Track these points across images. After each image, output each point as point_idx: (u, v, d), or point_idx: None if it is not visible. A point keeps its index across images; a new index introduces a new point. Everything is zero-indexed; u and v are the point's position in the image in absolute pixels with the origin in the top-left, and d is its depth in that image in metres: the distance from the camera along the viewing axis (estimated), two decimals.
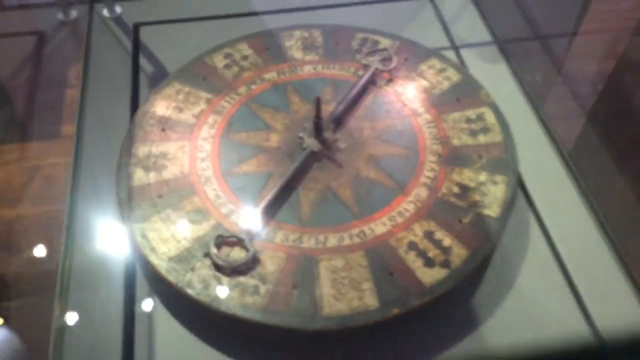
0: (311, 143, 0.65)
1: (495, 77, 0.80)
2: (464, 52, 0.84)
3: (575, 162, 0.71)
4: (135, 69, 0.82)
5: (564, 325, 0.59)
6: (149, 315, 0.59)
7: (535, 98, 0.77)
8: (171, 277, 0.56)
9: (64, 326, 0.57)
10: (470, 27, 0.88)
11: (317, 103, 0.62)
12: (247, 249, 0.57)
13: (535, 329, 0.58)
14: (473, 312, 0.59)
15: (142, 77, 0.81)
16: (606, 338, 0.57)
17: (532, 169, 0.70)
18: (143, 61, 0.83)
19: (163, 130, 0.67)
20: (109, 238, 0.64)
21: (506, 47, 0.84)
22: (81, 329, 0.58)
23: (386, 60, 0.75)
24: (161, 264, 0.57)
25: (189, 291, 0.55)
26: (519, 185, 0.68)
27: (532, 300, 0.60)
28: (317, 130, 0.65)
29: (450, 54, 0.82)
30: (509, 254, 0.64)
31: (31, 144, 0.80)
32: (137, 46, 0.85)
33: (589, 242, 0.65)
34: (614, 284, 0.62)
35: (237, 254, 0.57)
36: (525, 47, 0.87)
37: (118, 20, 0.89)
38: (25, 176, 0.75)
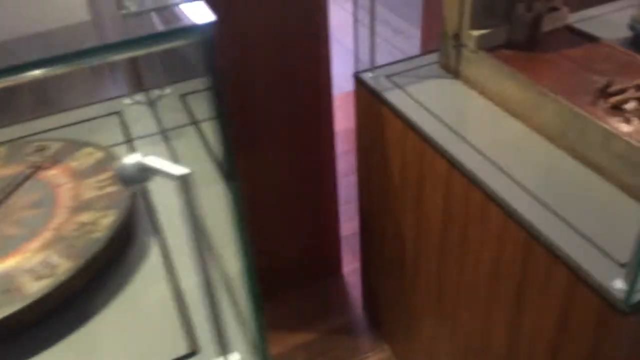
0: None
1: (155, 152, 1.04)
2: (137, 142, 1.08)
3: None
4: None
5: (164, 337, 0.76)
6: None
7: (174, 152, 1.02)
8: None
9: None
10: (145, 124, 1.14)
11: None
12: None
13: (138, 334, 0.76)
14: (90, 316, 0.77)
15: None
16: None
17: (163, 207, 0.92)
18: None
19: None
20: None
21: (167, 134, 1.10)
22: None
23: (48, 155, 0.97)
24: None
25: None
26: (153, 218, 0.90)
27: (141, 306, 0.79)
28: None
29: (124, 146, 1.06)
30: (131, 270, 0.83)
31: None
32: None
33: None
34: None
35: None
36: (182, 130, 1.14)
37: None
38: None
